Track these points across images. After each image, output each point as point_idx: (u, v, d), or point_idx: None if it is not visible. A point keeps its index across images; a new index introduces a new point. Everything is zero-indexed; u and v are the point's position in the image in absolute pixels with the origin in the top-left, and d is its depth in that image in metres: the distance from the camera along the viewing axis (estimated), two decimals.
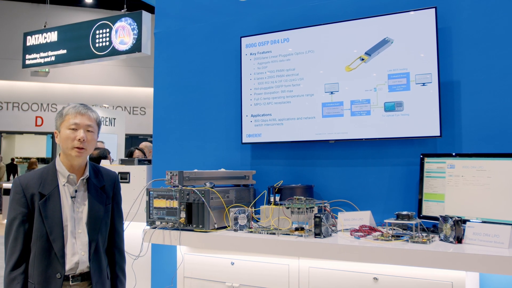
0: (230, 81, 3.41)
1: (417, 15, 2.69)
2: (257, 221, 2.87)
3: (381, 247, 2.19)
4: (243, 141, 3.23)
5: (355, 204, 2.87)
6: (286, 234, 2.53)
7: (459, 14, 2.70)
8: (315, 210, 2.55)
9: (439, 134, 2.60)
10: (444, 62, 2.67)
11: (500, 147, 2.53)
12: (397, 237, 2.33)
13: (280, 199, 2.84)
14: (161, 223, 2.77)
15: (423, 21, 2.66)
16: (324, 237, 2.43)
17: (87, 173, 2.10)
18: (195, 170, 2.88)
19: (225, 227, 2.75)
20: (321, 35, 2.98)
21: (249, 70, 3.23)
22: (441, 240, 2.30)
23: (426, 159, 2.60)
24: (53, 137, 2.18)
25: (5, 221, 2.05)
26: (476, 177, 2.40)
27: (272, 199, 2.88)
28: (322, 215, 2.47)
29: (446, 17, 2.72)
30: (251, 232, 2.63)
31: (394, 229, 2.42)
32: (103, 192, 2.15)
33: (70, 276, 1.98)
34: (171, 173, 2.80)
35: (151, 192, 2.82)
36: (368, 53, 2.81)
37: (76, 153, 2.01)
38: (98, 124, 2.13)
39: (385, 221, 2.41)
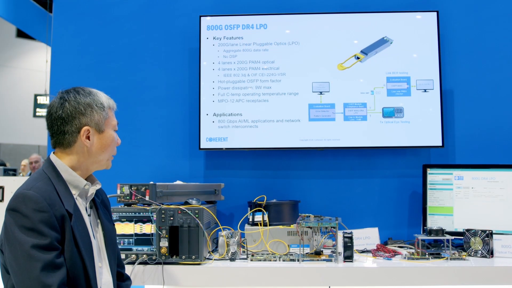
0: (175, 69, 2.69)
1: (419, 17, 2.54)
2: (243, 246, 2.25)
3: (431, 267, 1.95)
4: (202, 147, 2.55)
5: (343, 222, 2.52)
6: (310, 260, 2.02)
7: (457, 21, 2.63)
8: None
9: (441, 144, 2.48)
10: (445, 69, 2.57)
11: (503, 157, 2.53)
12: (435, 255, 2.08)
13: (269, 218, 2.30)
14: (126, 256, 1.91)
15: (424, 24, 2.53)
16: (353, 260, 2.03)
17: (98, 182, 1.52)
18: (168, 183, 2.11)
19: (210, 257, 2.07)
20: (308, 25, 2.57)
21: (211, 57, 2.59)
22: (470, 255, 2.15)
23: (429, 170, 2.44)
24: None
25: None
26: (487, 188, 2.34)
27: (256, 218, 2.31)
28: (351, 235, 2.06)
29: (445, 23, 2.62)
30: (259, 260, 2.03)
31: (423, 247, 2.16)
32: (105, 208, 1.60)
33: None
34: (131, 187, 1.99)
35: None
36: (365, 52, 2.54)
37: (110, 163, 1.53)
38: None
39: (417, 237, 2.13)
